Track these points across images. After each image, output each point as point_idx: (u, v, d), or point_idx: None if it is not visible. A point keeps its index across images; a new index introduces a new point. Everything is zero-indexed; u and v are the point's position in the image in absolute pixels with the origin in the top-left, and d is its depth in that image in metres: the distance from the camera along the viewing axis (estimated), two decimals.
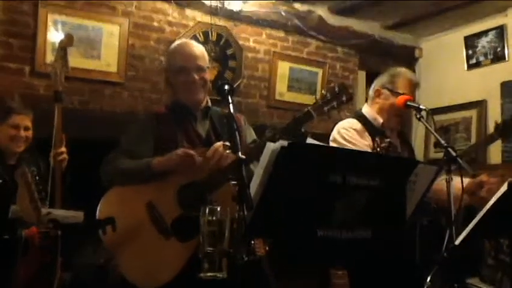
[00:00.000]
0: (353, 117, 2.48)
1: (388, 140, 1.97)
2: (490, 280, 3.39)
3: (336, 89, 1.90)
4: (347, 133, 2.37)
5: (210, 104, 2.18)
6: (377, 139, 1.96)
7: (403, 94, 2.38)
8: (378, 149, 1.91)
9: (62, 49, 2.29)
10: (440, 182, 2.01)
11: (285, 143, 1.30)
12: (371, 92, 2.53)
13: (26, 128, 2.68)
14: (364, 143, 2.29)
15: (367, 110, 2.49)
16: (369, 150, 2.17)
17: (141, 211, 1.96)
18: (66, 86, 2.42)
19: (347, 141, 2.34)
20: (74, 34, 3.41)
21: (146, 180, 1.96)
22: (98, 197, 2.07)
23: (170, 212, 1.95)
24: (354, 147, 2.27)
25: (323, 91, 1.92)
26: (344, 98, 1.90)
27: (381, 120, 2.42)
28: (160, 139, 2.05)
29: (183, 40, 2.38)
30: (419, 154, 4.90)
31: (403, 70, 2.52)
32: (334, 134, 2.42)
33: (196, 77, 2.07)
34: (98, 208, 1.96)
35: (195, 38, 3.91)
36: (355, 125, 2.39)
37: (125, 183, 2.00)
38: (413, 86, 2.47)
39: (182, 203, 1.97)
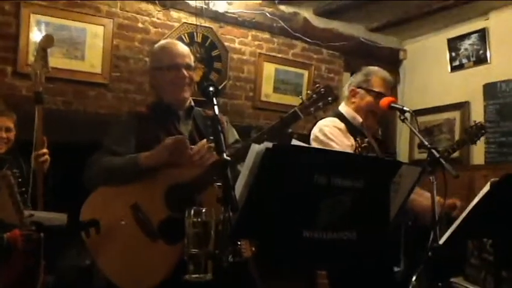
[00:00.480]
0: (334, 116, 2.48)
1: (367, 139, 1.98)
2: (474, 279, 3.42)
3: (322, 90, 1.90)
4: (329, 130, 2.36)
5: (193, 104, 2.16)
6: (358, 139, 1.97)
7: (378, 92, 2.41)
8: (360, 149, 1.92)
9: (42, 49, 2.27)
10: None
11: (269, 144, 1.30)
12: (346, 91, 2.55)
13: (8, 129, 2.63)
14: (346, 143, 2.29)
15: (345, 109, 2.49)
16: (351, 150, 2.18)
17: (126, 213, 1.91)
18: (48, 87, 2.40)
19: (329, 139, 2.33)
20: (57, 35, 3.41)
21: (133, 178, 1.91)
22: (81, 200, 2.02)
23: (157, 213, 1.90)
24: (335, 146, 2.27)
25: (309, 92, 1.93)
26: (330, 99, 1.90)
27: (360, 119, 2.43)
28: (142, 139, 2.01)
29: (169, 40, 2.36)
30: (403, 155, 4.95)
31: (376, 69, 2.54)
32: (315, 132, 2.41)
33: (186, 74, 2.06)
34: (81, 210, 1.92)
35: (180, 39, 3.89)
36: (339, 125, 2.39)
37: (111, 183, 1.95)
38: (388, 83, 2.49)
39: (169, 204, 1.92)
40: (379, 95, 2.40)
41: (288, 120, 1.89)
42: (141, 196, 1.92)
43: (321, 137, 2.36)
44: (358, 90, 2.47)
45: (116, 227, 1.90)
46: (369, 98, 2.42)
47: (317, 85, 1.95)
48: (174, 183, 1.92)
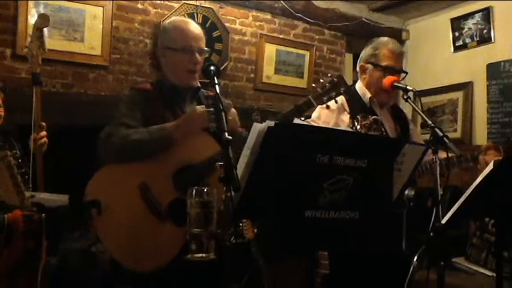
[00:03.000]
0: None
1: (372, 117, 1.96)
2: (475, 259, 3.44)
3: (335, 80, 1.89)
4: (314, 113, 2.35)
5: (199, 85, 2.13)
6: (358, 117, 1.94)
7: (386, 67, 2.36)
8: (358, 127, 1.90)
9: (38, 30, 2.23)
10: None
11: (271, 123, 1.28)
12: (358, 67, 2.52)
13: None
14: (331, 124, 2.27)
15: (359, 85, 2.47)
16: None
17: (134, 192, 1.90)
18: (47, 70, 2.37)
19: (312, 121, 2.32)
20: (56, 16, 3.38)
21: (163, 150, 1.88)
22: (82, 181, 2.01)
23: (166, 194, 1.90)
24: None
25: (322, 80, 1.91)
26: (342, 89, 1.90)
27: (369, 95, 2.40)
28: (148, 116, 1.98)
29: (182, 18, 2.30)
30: (417, 137, 4.90)
31: (384, 40, 2.47)
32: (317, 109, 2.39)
33: (198, 58, 2.02)
34: (87, 189, 1.89)
35: None
36: (332, 104, 2.37)
37: (137, 156, 1.90)
38: (397, 55, 2.42)
39: (178, 186, 1.91)
40: (387, 69, 2.36)
41: (302, 108, 1.88)
42: (149, 176, 1.91)
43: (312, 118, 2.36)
44: (367, 65, 2.43)
45: (123, 207, 1.88)
46: (377, 74, 2.38)
47: (330, 75, 1.95)
48: (183, 165, 1.91)
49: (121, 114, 1.98)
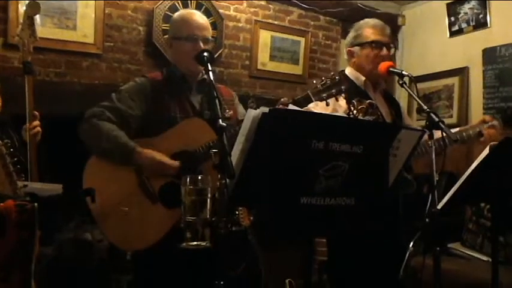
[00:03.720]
0: None
1: (368, 101, 1.94)
2: (471, 244, 3.45)
3: (336, 78, 1.89)
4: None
5: (206, 76, 2.16)
6: (354, 101, 1.93)
7: (373, 41, 2.33)
8: (355, 112, 1.88)
9: (29, 18, 2.20)
10: None
11: (266, 109, 1.27)
12: (345, 55, 2.50)
13: None
14: (326, 110, 2.27)
15: (348, 70, 2.45)
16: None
17: (129, 174, 1.99)
18: (40, 58, 2.34)
19: (308, 108, 2.31)
20: (48, 4, 3.33)
21: (121, 163, 1.98)
22: (77, 172, 2.04)
23: (159, 177, 1.97)
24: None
25: (323, 77, 1.91)
26: (343, 87, 1.89)
27: (363, 78, 2.39)
28: (153, 107, 2.05)
29: (190, 10, 2.39)
30: (408, 120, 4.90)
31: (364, 21, 2.45)
32: None
33: (202, 46, 2.06)
34: (85, 172, 1.99)
35: (174, 6, 3.81)
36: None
37: (98, 153, 2.01)
38: (381, 29, 2.40)
39: None
40: (374, 43, 2.34)
41: (300, 102, 1.87)
42: None
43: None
44: (353, 48, 2.42)
45: (118, 187, 1.97)
46: (365, 51, 2.36)
47: (332, 73, 1.95)
48: (179, 150, 1.98)
49: (118, 98, 2.05)
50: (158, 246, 1.91)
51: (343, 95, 2.21)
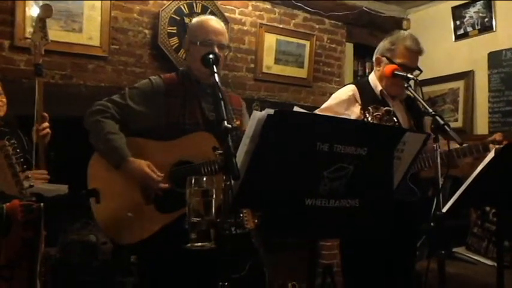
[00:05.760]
0: (352, 83, 2.45)
1: (385, 108, 1.94)
2: (476, 249, 3.44)
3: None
4: (324, 104, 2.39)
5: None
6: (370, 108, 1.93)
7: (400, 64, 2.32)
8: (369, 118, 1.89)
9: (41, 20, 2.22)
10: None
11: (271, 111, 1.27)
12: (374, 58, 2.50)
13: None
14: (341, 114, 2.28)
15: (372, 77, 2.46)
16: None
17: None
18: (45, 61, 2.35)
19: (320, 110, 2.38)
20: (54, 7, 3.31)
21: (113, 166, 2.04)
22: (81, 173, 2.07)
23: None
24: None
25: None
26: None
27: (379, 88, 2.39)
28: (165, 109, 2.07)
29: (208, 16, 2.41)
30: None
31: (403, 35, 2.44)
32: (328, 100, 2.44)
33: (217, 51, 2.08)
34: (89, 169, 2.07)
35: (179, 9, 3.82)
36: (344, 95, 2.37)
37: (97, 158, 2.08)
38: (414, 53, 2.40)
39: (172, 177, 2.03)
40: (401, 66, 2.32)
41: None
42: (151, 163, 2.03)
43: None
44: (383, 58, 2.41)
45: (119, 188, 2.02)
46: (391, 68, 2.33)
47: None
48: (184, 159, 2.03)
49: (130, 96, 2.09)
50: (162, 247, 1.92)
51: (358, 102, 2.23)
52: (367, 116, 1.95)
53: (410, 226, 2.38)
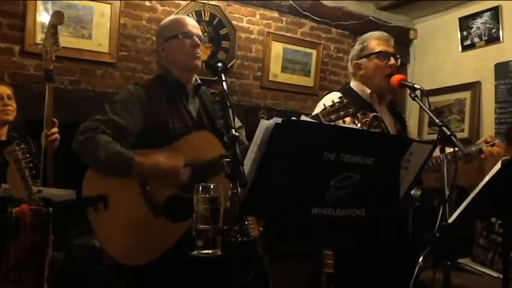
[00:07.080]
0: (337, 91, 2.43)
1: (372, 114, 1.95)
2: (482, 260, 3.42)
3: (345, 101, 1.91)
4: (316, 110, 2.35)
5: (199, 82, 2.14)
6: (358, 115, 1.93)
7: (380, 52, 2.35)
8: (359, 125, 1.89)
9: (52, 26, 2.26)
10: None
11: (278, 119, 1.28)
12: (350, 68, 2.50)
13: (9, 97, 2.57)
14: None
15: (354, 84, 2.46)
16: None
17: (134, 185, 1.89)
18: (55, 66, 2.38)
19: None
20: (64, 13, 3.37)
21: (118, 176, 1.87)
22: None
23: (163, 189, 1.90)
24: None
25: (333, 100, 1.93)
26: (350, 110, 1.90)
27: (368, 91, 2.40)
28: (150, 115, 1.96)
29: (177, 15, 2.35)
30: (412, 134, 4.89)
31: (367, 34, 2.48)
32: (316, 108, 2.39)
33: (198, 42, 2.05)
34: (84, 182, 1.88)
35: (188, 17, 3.86)
36: (333, 99, 2.36)
37: (95, 168, 1.90)
38: (386, 40, 2.43)
39: (194, 175, 1.90)
40: (382, 54, 2.36)
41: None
42: None
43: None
44: (360, 61, 2.43)
45: (120, 199, 1.87)
46: (374, 62, 2.37)
47: (341, 96, 1.97)
48: (188, 164, 1.91)
49: (113, 110, 1.95)
50: (167, 255, 1.87)
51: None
52: (356, 122, 1.95)
53: (407, 235, 2.37)
